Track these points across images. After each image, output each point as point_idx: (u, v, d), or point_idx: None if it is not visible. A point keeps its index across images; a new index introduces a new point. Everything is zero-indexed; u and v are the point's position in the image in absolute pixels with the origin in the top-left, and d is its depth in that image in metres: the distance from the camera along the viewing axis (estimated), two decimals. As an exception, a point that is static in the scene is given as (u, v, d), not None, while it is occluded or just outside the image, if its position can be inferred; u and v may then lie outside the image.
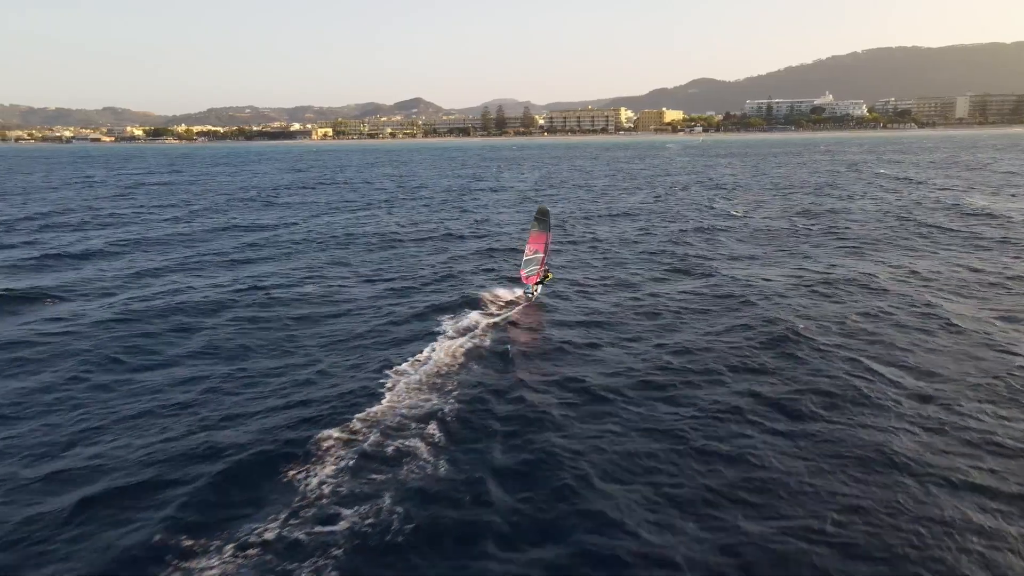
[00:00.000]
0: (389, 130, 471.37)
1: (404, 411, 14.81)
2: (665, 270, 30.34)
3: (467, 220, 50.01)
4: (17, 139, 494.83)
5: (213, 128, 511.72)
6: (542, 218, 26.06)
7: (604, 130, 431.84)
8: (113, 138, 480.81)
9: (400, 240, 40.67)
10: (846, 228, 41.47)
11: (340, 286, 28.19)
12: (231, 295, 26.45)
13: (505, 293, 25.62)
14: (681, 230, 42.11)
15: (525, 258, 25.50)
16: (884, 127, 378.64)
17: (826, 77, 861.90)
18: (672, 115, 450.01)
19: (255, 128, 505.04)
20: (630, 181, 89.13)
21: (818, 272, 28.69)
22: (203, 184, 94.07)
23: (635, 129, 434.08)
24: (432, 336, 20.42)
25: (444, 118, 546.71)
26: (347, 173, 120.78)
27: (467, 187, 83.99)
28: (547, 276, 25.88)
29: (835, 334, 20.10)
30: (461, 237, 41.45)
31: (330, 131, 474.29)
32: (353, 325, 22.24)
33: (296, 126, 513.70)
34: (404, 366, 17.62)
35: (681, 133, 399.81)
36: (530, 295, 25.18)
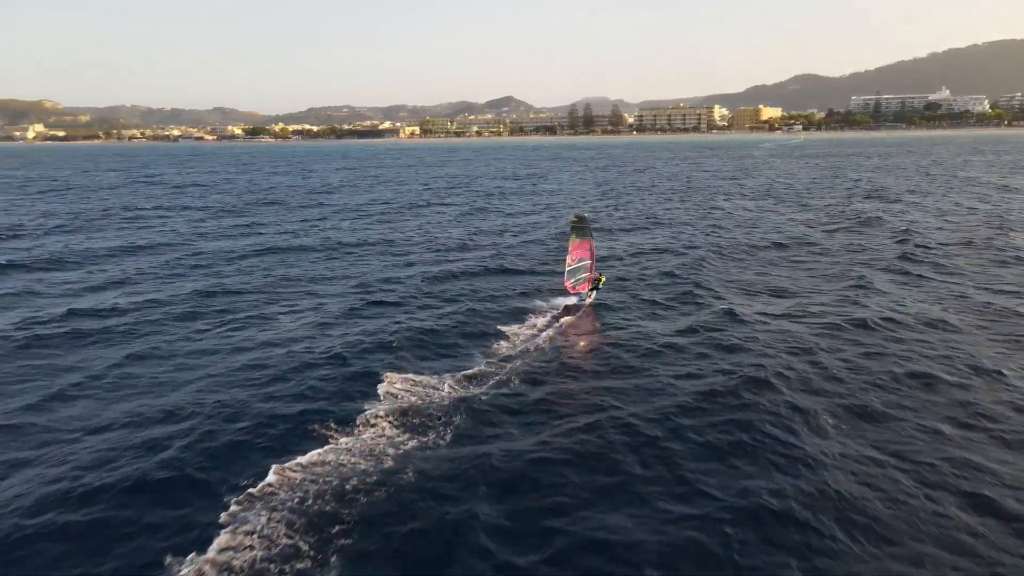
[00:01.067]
0: (475, 129, 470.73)
1: (434, 413, 15.28)
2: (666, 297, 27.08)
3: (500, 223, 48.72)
4: (131, 138, 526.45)
5: (307, 127, 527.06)
6: (580, 225, 25.72)
7: (696, 129, 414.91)
8: (215, 137, 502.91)
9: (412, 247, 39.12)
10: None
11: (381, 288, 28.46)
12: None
13: (557, 301, 25.55)
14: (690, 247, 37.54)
15: (568, 268, 25.03)
16: (1009, 124, 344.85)
17: (942, 71, 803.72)
18: (769, 112, 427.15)
19: (346, 127, 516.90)
20: (686, 186, 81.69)
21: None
22: (222, 186, 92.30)
23: (729, 127, 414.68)
24: (481, 343, 20.77)
25: (532, 116, 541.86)
26: (407, 173, 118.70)
27: (521, 189, 79.59)
28: (599, 280, 26.14)
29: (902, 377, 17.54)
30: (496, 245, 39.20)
31: (417, 129, 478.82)
32: (387, 325, 22.58)
33: (386, 124, 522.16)
34: (446, 374, 17.72)
35: (778, 132, 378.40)
36: (583, 301, 25.40)
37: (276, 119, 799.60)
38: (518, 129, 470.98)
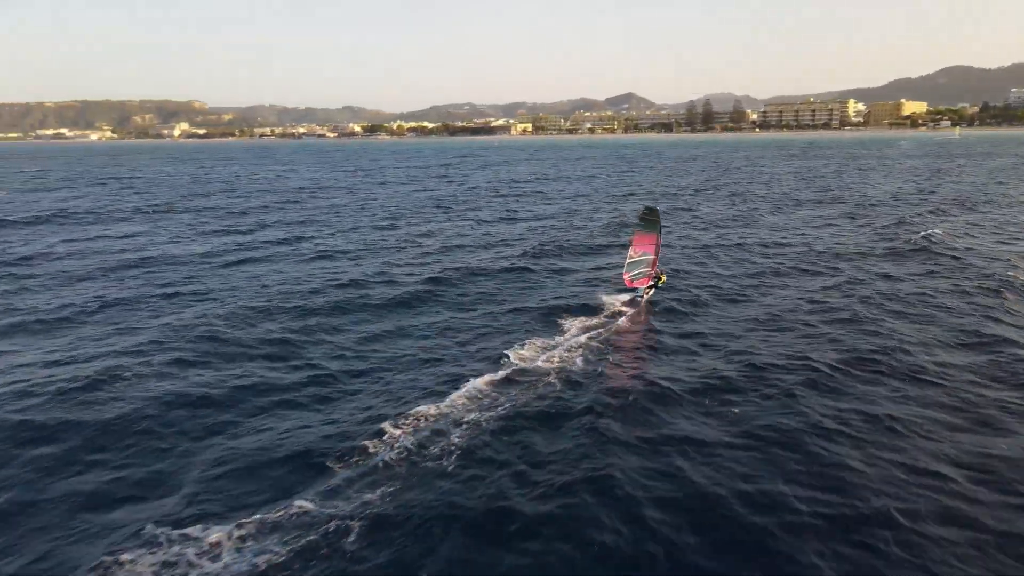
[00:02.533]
0: (588, 126, 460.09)
1: (481, 405, 15.84)
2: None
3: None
4: (261, 135, 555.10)
5: (422, 124, 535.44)
6: (649, 218, 25.12)
7: (827, 125, 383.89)
8: (336, 134, 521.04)
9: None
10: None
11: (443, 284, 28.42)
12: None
13: (614, 297, 24.89)
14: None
15: (629, 260, 24.72)
16: None
17: None
18: (912, 107, 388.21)
19: (457, 124, 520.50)
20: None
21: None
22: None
23: (865, 124, 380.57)
24: (536, 335, 20.97)
25: (647, 113, 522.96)
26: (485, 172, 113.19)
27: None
28: (660, 278, 25.51)
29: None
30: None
31: (530, 126, 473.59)
32: (445, 320, 23.25)
33: (500, 121, 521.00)
34: (496, 367, 18.11)
35: (923, 128, 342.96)
36: (640, 297, 24.94)
37: (399, 117, 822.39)
38: (633, 126, 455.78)
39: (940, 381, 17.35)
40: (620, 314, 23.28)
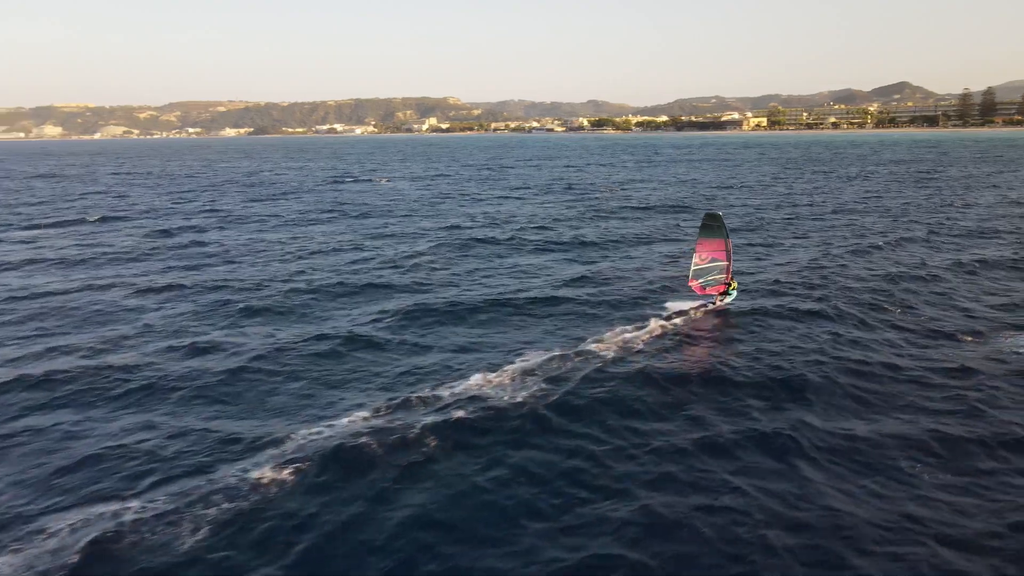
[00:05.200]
0: (832, 119, 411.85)
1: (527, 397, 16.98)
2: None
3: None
4: (495, 129, 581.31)
5: (649, 119, 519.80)
6: (712, 223, 24.84)
7: None
8: (564, 128, 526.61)
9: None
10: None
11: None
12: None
13: (687, 303, 24.86)
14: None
15: (696, 267, 24.68)
16: None
17: None
18: None
19: (683, 118, 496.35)
20: None
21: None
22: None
23: None
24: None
25: (927, 103, 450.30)
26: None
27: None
28: (731, 286, 25.11)
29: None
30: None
31: (764, 121, 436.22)
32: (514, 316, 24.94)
33: (731, 115, 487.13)
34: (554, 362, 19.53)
35: None
36: (712, 303, 24.79)
37: (641, 111, 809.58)
38: (889, 120, 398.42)
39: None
40: (688, 318, 23.82)
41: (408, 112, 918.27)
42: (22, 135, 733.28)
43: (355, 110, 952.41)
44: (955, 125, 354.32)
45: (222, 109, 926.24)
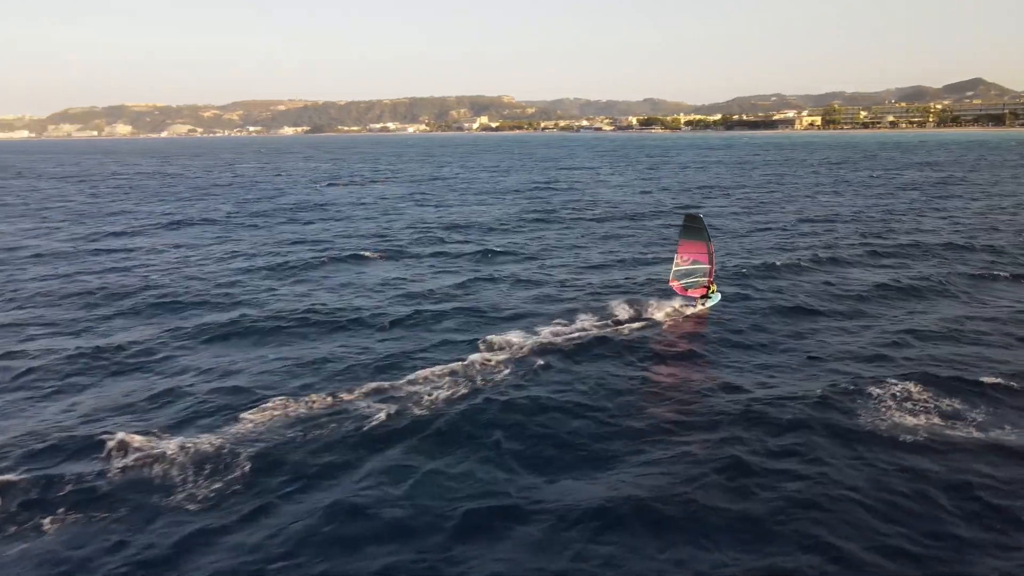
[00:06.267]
0: (890, 118, 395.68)
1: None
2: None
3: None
4: (544, 128, 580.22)
5: (700, 117, 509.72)
6: (693, 225, 25.03)
7: None
8: (613, 127, 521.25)
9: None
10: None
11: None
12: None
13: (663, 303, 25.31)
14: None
15: (676, 267, 25.08)
16: None
17: None
18: None
19: (734, 117, 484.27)
20: None
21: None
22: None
23: None
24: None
25: (1000, 100, 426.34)
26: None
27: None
28: (711, 290, 25.40)
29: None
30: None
31: (818, 120, 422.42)
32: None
33: (786, 114, 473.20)
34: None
35: None
36: (693, 306, 25.12)
37: (698, 109, 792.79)
38: (950, 119, 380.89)
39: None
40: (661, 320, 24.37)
41: (462, 111, 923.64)
42: (95, 133, 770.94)
43: (410, 108, 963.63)
44: (1022, 124, 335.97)
45: (282, 108, 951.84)
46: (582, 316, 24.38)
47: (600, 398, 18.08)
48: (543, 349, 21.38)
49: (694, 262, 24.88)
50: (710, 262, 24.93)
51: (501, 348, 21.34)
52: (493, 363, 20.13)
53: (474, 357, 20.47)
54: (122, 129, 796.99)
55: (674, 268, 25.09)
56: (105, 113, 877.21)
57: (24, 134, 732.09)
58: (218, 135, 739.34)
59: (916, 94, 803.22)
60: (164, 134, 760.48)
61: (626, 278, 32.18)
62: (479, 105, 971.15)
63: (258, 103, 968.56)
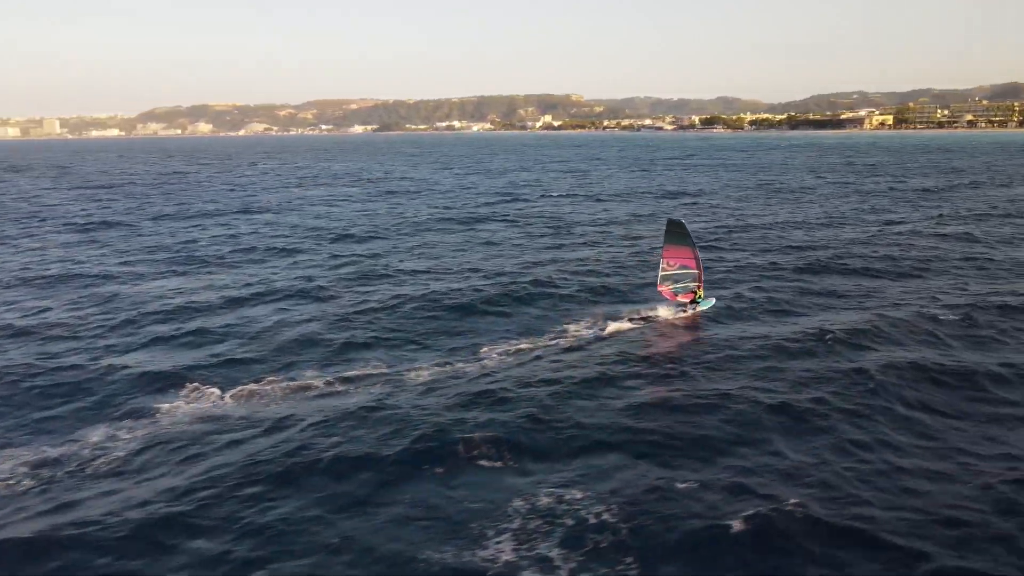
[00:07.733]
0: (968, 116, 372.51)
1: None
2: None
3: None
4: (605, 128, 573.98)
5: (766, 116, 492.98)
6: (677, 230, 25.21)
7: None
8: (674, 127, 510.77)
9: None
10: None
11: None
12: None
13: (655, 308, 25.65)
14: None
15: (664, 272, 25.35)
16: None
17: None
18: None
19: (800, 115, 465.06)
20: None
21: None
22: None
23: None
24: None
25: None
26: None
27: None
28: (697, 293, 25.56)
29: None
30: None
31: (890, 119, 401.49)
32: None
33: (857, 113, 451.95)
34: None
35: None
36: (684, 311, 25.40)
37: (775, 108, 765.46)
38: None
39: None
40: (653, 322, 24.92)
41: (529, 109, 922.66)
42: (179, 132, 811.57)
43: (478, 107, 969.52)
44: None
45: (354, 107, 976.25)
46: (570, 322, 24.86)
47: (586, 406, 18.01)
48: (531, 355, 21.87)
49: (681, 267, 25.14)
50: (697, 267, 25.20)
51: (491, 352, 21.98)
52: (482, 365, 20.97)
53: (459, 362, 21.31)
54: (203, 128, 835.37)
55: (661, 273, 25.38)
56: (188, 112, 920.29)
57: (115, 132, 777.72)
58: (292, 133, 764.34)
59: (1011, 91, 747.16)
60: (242, 132, 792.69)
61: (603, 285, 32.49)
62: (547, 103, 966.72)
63: (331, 102, 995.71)
